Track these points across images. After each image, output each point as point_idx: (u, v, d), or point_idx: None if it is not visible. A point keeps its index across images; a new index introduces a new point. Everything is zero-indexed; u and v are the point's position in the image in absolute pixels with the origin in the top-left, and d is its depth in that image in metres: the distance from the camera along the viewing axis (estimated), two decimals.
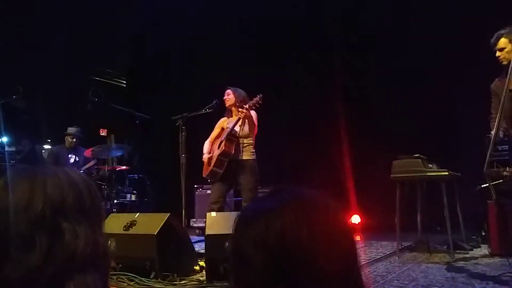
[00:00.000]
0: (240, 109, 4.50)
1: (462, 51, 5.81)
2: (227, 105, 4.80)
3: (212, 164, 4.65)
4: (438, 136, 6.04)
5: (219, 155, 4.59)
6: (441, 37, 6.14)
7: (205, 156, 4.78)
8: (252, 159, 4.71)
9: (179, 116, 4.81)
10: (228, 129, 4.61)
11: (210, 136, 4.94)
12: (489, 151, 3.26)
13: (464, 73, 5.71)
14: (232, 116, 4.83)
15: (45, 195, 0.80)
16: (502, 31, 3.61)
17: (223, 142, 4.59)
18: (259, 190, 4.83)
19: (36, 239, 0.76)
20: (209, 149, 4.83)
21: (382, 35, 6.75)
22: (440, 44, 6.16)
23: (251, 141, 4.71)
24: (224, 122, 4.91)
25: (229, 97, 4.77)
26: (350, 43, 7.05)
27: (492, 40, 3.63)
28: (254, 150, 4.74)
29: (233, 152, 4.58)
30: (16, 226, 0.76)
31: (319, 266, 0.75)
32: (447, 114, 6.06)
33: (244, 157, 4.67)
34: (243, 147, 4.68)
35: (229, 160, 4.59)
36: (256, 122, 4.65)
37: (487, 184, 3.33)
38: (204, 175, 4.84)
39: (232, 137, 4.60)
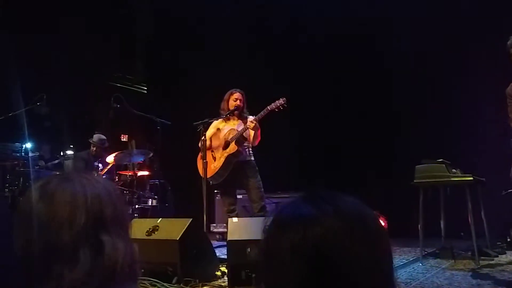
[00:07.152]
0: (250, 121, 4.58)
1: (484, 53, 5.72)
2: (239, 110, 4.83)
3: (218, 165, 4.68)
4: (461, 140, 5.95)
5: (229, 154, 4.63)
6: (460, 39, 6.07)
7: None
8: (253, 159, 4.85)
9: (200, 121, 4.83)
10: (238, 132, 4.70)
11: (206, 135, 4.96)
12: None
13: (487, 76, 5.62)
14: (230, 120, 4.90)
15: (87, 207, 0.78)
16: None
17: (232, 143, 4.65)
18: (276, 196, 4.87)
19: (80, 254, 0.74)
20: (209, 145, 4.87)
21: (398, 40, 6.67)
22: (460, 46, 6.08)
23: (249, 144, 4.84)
24: (221, 123, 4.95)
25: (241, 103, 4.86)
26: (371, 45, 6.98)
27: (509, 42, 3.54)
28: (252, 152, 4.89)
29: (243, 153, 4.72)
30: (60, 240, 0.74)
31: (357, 277, 0.74)
32: (470, 117, 5.96)
33: (247, 158, 4.80)
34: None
35: (236, 161, 4.65)
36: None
37: None
38: (206, 177, 4.84)
39: (242, 139, 4.71)
